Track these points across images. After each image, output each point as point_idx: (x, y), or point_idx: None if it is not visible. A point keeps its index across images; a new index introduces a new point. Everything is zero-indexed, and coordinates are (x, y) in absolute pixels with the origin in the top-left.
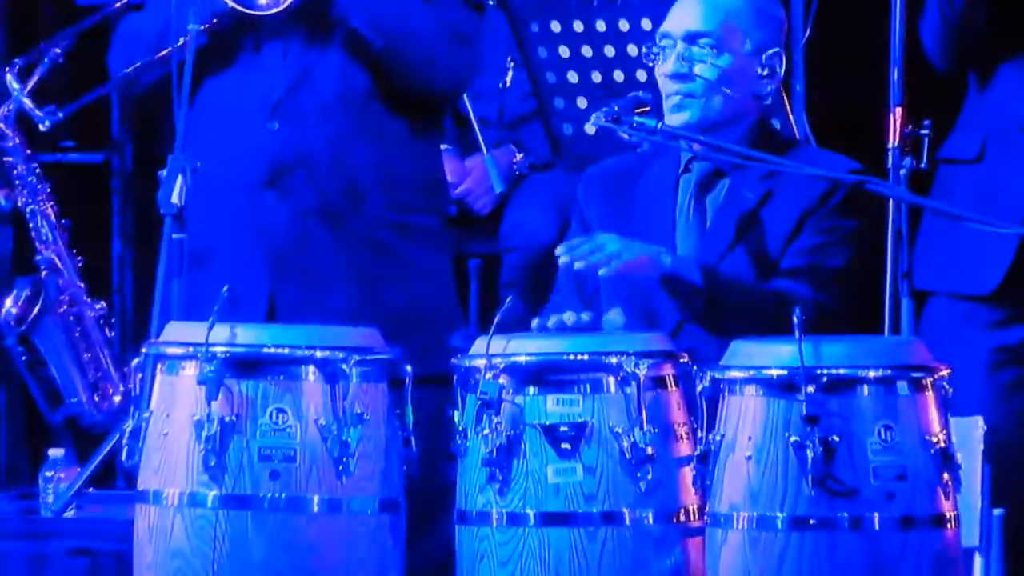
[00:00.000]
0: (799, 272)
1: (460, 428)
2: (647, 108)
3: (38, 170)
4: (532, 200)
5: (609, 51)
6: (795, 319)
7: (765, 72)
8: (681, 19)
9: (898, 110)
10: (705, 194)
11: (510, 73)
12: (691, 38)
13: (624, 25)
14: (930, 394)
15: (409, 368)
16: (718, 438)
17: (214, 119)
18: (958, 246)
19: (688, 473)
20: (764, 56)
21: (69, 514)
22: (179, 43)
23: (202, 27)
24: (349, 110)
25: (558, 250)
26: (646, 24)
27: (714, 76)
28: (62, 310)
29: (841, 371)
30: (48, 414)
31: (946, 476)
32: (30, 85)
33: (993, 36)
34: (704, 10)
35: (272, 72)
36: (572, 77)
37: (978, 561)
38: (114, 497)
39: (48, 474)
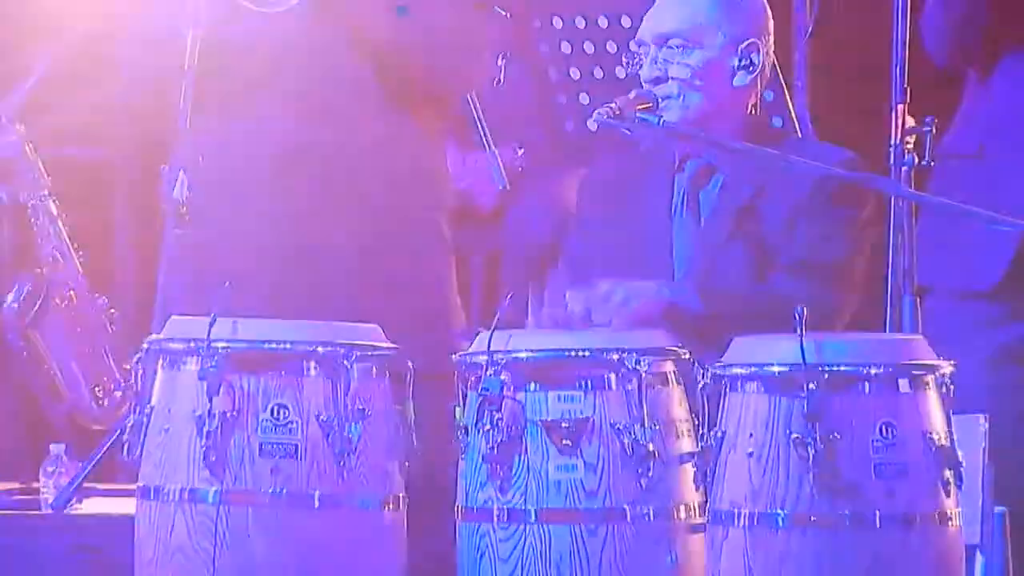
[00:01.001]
0: (798, 267)
1: (461, 424)
2: (649, 104)
3: (40, 164)
4: (534, 196)
5: (611, 47)
6: (796, 316)
7: (742, 64)
8: (652, 23)
9: (900, 107)
10: (698, 191)
11: (503, 70)
12: (662, 40)
13: (626, 21)
14: (932, 391)
15: (411, 364)
16: (719, 435)
17: (217, 114)
18: (957, 242)
19: (689, 470)
20: (739, 48)
21: (70, 510)
22: (181, 39)
23: (206, 22)
24: (353, 106)
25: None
26: None
27: (687, 75)
28: (63, 305)
29: (843, 368)
30: (49, 409)
31: (948, 473)
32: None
33: (994, 30)
34: (672, 11)
35: (276, 68)
36: (574, 73)
37: (979, 559)
38: (115, 492)
39: (49, 469)
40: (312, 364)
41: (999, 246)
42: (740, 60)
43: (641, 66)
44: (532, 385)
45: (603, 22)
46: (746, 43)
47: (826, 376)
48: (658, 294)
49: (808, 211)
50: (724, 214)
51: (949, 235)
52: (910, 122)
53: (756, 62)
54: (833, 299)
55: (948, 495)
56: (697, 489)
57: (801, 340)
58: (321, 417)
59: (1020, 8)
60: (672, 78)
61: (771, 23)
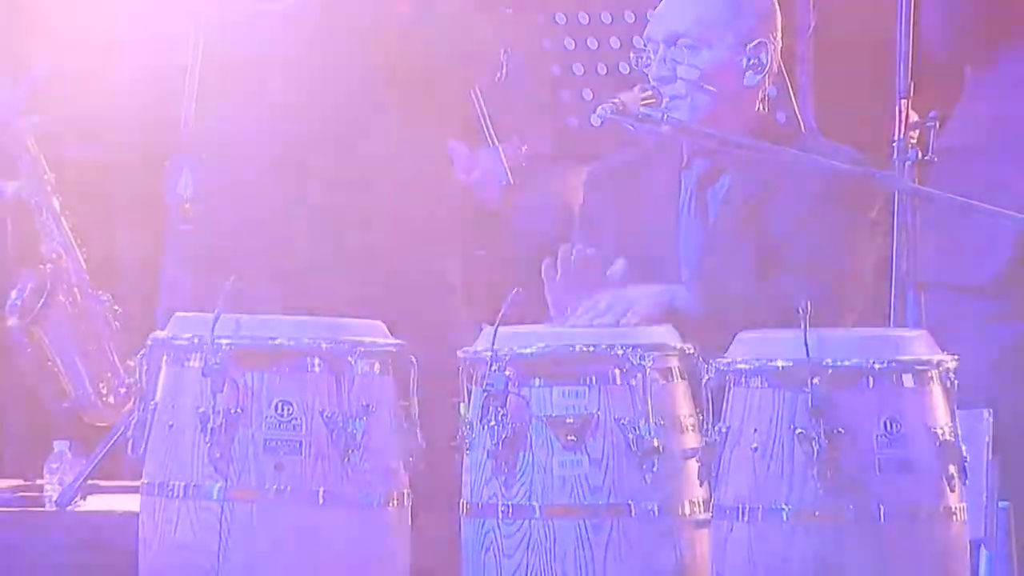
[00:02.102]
0: (805, 267)
1: (466, 420)
2: (654, 100)
3: (43, 161)
4: (538, 192)
5: (615, 43)
6: (800, 311)
7: (751, 63)
8: (660, 22)
9: (904, 102)
10: (706, 189)
11: (506, 66)
12: (671, 40)
13: (629, 16)
14: (936, 386)
15: (414, 360)
16: (724, 430)
17: (220, 111)
18: (955, 237)
19: (694, 465)
20: (748, 47)
21: (74, 507)
22: (185, 36)
23: (210, 20)
24: (357, 103)
25: (580, 318)
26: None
27: (695, 76)
28: (67, 302)
29: (847, 363)
30: (53, 406)
31: (952, 468)
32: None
33: (993, 24)
34: (680, 10)
35: (279, 65)
36: (577, 69)
37: (984, 554)
38: (119, 489)
39: (53, 466)
40: (316, 360)
41: (997, 240)
42: (749, 60)
43: (649, 64)
44: (537, 381)
45: (606, 18)
46: (755, 43)
47: (830, 371)
48: (659, 299)
49: (816, 210)
50: (731, 213)
51: (945, 229)
52: (913, 117)
53: (765, 61)
54: (840, 299)
55: (952, 490)
56: (701, 484)
57: (805, 335)
58: (325, 413)
59: (1018, 2)
60: (680, 79)
61: (779, 21)
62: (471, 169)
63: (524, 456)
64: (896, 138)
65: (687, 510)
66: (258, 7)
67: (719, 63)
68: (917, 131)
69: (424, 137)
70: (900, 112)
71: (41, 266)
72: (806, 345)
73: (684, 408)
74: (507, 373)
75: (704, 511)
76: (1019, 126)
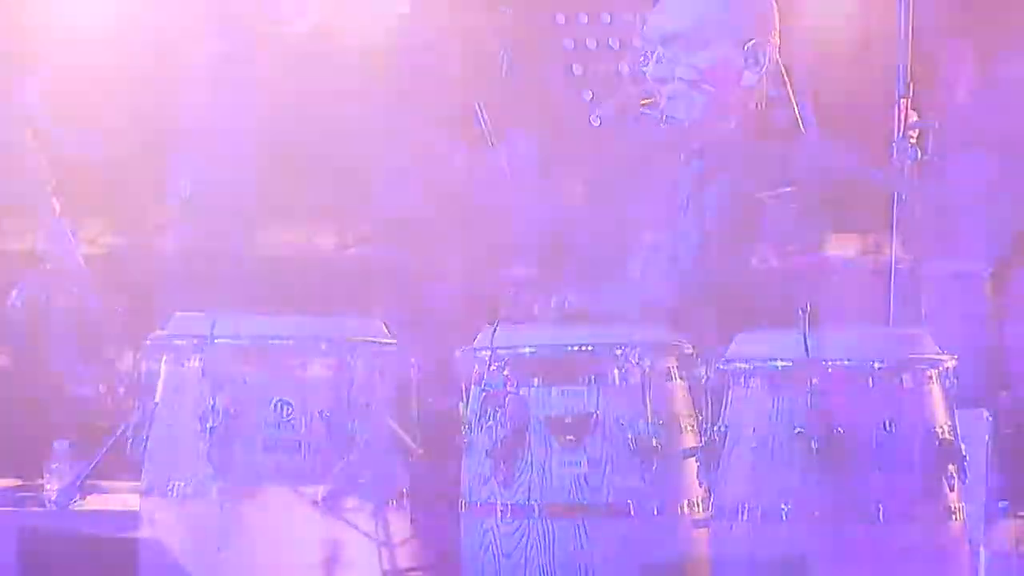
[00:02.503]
0: (801, 266)
1: (465, 420)
2: (652, 100)
3: (44, 163)
4: (538, 191)
5: (614, 43)
6: (800, 311)
7: (749, 63)
8: (658, 22)
9: (904, 102)
10: (704, 188)
11: (504, 65)
12: (668, 40)
13: (629, 17)
14: (935, 386)
15: (414, 360)
16: (723, 430)
17: (221, 115)
18: (955, 236)
19: (693, 465)
20: (746, 47)
21: (74, 506)
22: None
23: (213, 30)
24: (357, 106)
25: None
26: None
27: (693, 76)
28: (67, 302)
29: (846, 363)
30: (53, 406)
31: (951, 468)
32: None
33: (990, 23)
34: (678, 10)
35: (280, 70)
36: (577, 69)
37: (983, 553)
38: (119, 489)
39: (53, 466)
40: (315, 360)
41: (999, 240)
42: (747, 59)
43: (647, 63)
44: (535, 380)
45: (606, 18)
46: (752, 42)
47: (829, 371)
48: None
49: (813, 209)
50: (729, 211)
51: (949, 229)
52: (913, 117)
53: (762, 61)
54: (838, 295)
55: (952, 489)
56: (701, 484)
57: (804, 335)
58: (324, 413)
59: (1016, 3)
60: (679, 78)
61: (777, 21)
62: (469, 170)
63: (523, 456)
64: (896, 138)
65: (686, 509)
66: (264, 29)
67: (717, 63)
68: (917, 131)
69: (424, 139)
70: (900, 112)
71: (42, 267)
72: (806, 345)
73: (683, 408)
74: (505, 373)
75: (704, 511)
76: (1016, 125)
